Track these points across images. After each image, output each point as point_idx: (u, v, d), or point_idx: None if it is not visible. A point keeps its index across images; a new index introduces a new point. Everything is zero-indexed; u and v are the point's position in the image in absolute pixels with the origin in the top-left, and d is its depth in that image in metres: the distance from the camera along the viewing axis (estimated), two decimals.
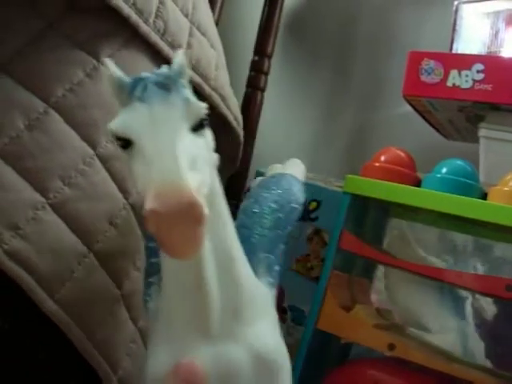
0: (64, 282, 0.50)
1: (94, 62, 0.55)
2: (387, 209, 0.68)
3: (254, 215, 0.48)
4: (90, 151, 0.53)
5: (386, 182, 0.62)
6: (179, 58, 0.36)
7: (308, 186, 0.59)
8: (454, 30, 0.79)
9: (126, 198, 0.55)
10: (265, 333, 0.42)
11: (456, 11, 0.80)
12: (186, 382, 0.38)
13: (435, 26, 1.02)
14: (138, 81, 0.35)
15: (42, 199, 0.49)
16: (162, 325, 0.42)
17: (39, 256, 0.48)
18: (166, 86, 0.34)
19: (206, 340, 0.40)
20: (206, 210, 0.30)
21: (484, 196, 0.61)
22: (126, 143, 0.34)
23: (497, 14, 0.76)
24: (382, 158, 0.66)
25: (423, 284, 0.64)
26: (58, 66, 0.53)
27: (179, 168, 0.31)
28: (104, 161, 0.54)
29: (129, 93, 0.35)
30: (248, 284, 0.42)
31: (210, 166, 0.37)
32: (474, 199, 0.58)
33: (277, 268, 0.46)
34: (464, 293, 0.63)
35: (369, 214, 0.67)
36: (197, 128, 0.34)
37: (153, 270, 0.46)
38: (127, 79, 0.35)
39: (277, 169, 0.59)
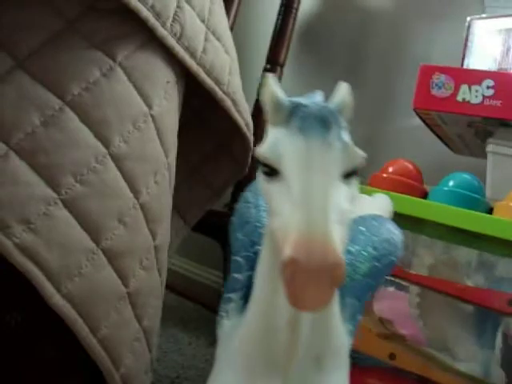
0: (72, 278, 0.50)
1: (111, 62, 0.55)
2: (394, 220, 0.68)
3: (349, 255, 0.43)
4: (103, 150, 0.53)
5: (393, 193, 0.62)
6: (343, 91, 0.34)
7: None
8: (465, 45, 0.80)
9: (137, 198, 0.56)
10: None
11: (468, 27, 0.80)
12: None
13: (447, 41, 1.03)
14: (297, 107, 0.32)
15: (54, 195, 0.50)
16: (238, 351, 0.39)
17: (49, 251, 0.49)
18: (326, 122, 0.31)
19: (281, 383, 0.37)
20: (345, 271, 0.28)
21: (490, 211, 0.61)
22: (271, 171, 0.32)
23: (509, 31, 0.76)
24: (390, 169, 0.66)
25: (458, 311, 0.64)
26: (74, 64, 0.54)
27: (329, 222, 0.28)
28: (116, 160, 0.54)
29: (286, 118, 0.32)
30: (337, 335, 0.40)
31: (351, 217, 0.33)
32: (479, 213, 0.58)
33: (359, 317, 0.43)
34: (496, 323, 0.63)
35: None
36: (348, 175, 0.32)
37: (234, 286, 0.43)
38: (287, 102, 0.33)
39: (365, 203, 0.54)
